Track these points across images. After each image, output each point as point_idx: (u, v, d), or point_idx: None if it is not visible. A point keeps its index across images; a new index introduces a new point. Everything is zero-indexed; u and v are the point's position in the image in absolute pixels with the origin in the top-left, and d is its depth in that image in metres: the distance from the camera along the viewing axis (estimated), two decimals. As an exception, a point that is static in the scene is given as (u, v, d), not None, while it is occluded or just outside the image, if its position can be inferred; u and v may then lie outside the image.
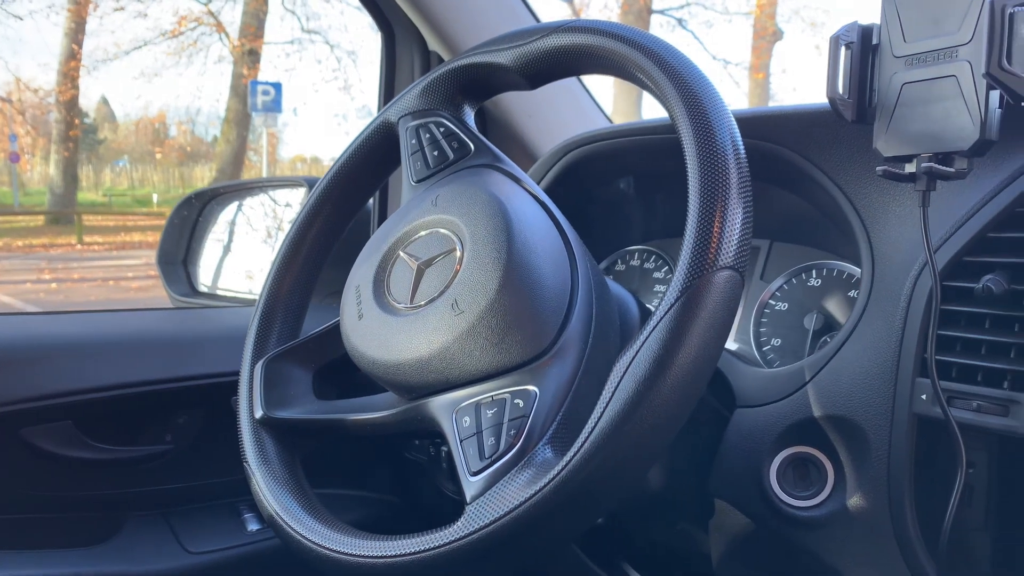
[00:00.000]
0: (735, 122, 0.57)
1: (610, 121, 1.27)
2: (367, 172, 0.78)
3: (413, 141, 0.73)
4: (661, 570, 0.93)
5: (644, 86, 0.62)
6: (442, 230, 0.65)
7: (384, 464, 1.16)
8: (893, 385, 0.66)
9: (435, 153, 0.71)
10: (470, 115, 0.75)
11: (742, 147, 0.55)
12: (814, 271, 0.89)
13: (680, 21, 12.10)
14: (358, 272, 0.68)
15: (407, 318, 0.62)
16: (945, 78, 0.59)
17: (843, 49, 0.64)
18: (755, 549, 0.77)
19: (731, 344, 0.93)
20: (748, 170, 0.55)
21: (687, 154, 0.55)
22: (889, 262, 0.71)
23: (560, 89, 1.22)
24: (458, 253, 0.62)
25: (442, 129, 0.72)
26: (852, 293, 0.85)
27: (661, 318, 0.51)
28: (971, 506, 0.65)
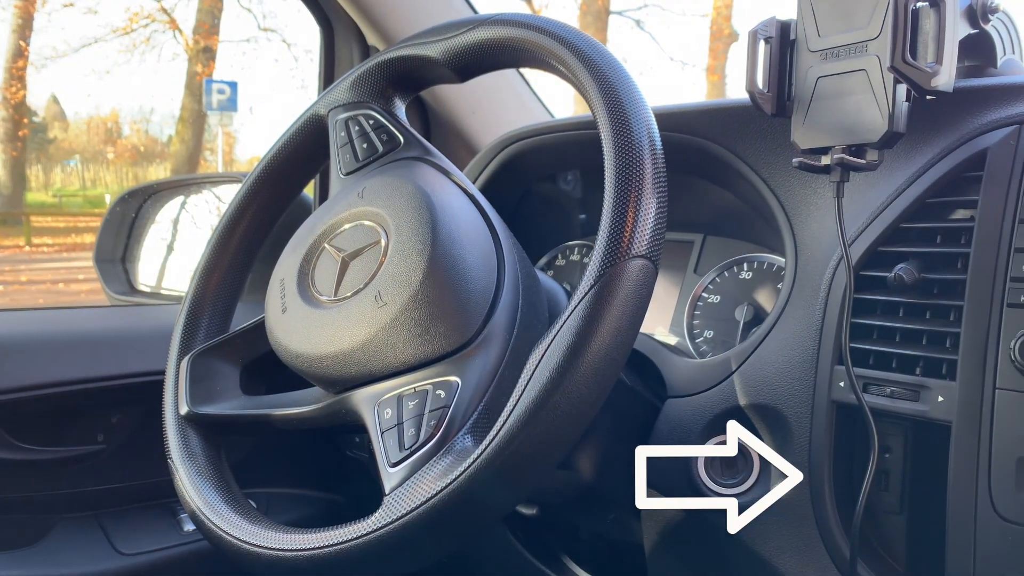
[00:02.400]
0: (653, 116, 0.57)
1: (552, 115, 1.28)
2: (297, 166, 0.78)
3: (342, 134, 0.72)
4: (597, 561, 0.93)
5: (567, 79, 0.63)
6: (367, 222, 0.65)
7: (328, 462, 1.15)
8: (813, 373, 0.68)
9: (364, 146, 0.71)
10: (401, 108, 0.75)
11: (658, 140, 0.56)
12: (745, 264, 0.91)
13: (638, 22, 12.20)
14: (283, 265, 0.68)
15: (330, 311, 0.62)
16: (856, 72, 0.60)
17: (762, 43, 0.66)
18: (685, 538, 0.78)
19: (666, 336, 0.95)
20: (664, 163, 0.56)
21: (604, 146, 0.56)
22: (811, 253, 0.72)
23: (502, 84, 1.23)
24: (383, 245, 0.62)
25: (371, 122, 0.72)
26: (780, 285, 0.86)
27: (575, 307, 0.51)
28: (887, 490, 0.66)
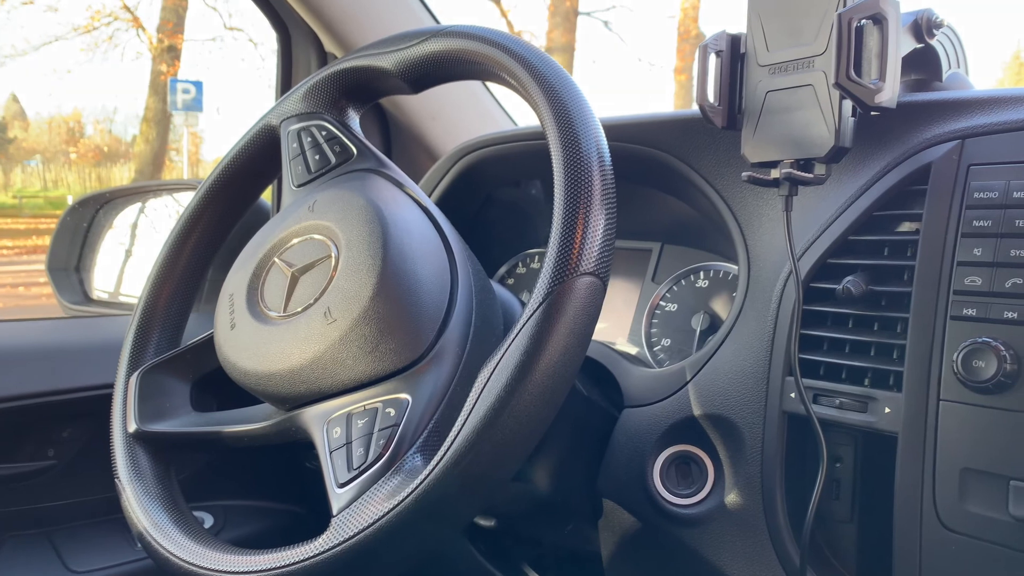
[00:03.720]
0: (602, 130, 0.57)
1: (515, 123, 1.28)
2: (249, 177, 0.77)
3: (295, 145, 0.72)
4: (559, 569, 0.93)
5: (519, 93, 0.62)
6: (317, 236, 0.64)
7: (286, 473, 1.14)
8: (765, 384, 0.68)
9: (316, 157, 0.70)
10: (355, 119, 0.74)
11: (607, 155, 0.56)
12: (701, 272, 0.92)
13: (606, 23, 12.27)
14: (232, 280, 0.67)
15: (280, 327, 0.61)
16: (804, 87, 0.61)
17: (712, 57, 0.66)
18: (641, 548, 0.78)
19: (624, 345, 0.95)
20: (613, 178, 0.56)
21: (554, 162, 0.56)
22: (763, 264, 0.73)
23: (463, 90, 1.22)
24: (333, 260, 0.62)
25: (324, 133, 0.71)
26: (735, 294, 0.87)
27: (523, 325, 0.51)
28: (838, 499, 0.67)
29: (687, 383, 0.74)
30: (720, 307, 0.89)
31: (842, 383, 0.64)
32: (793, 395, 0.66)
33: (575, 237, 0.53)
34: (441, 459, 0.50)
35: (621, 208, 0.97)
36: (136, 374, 0.71)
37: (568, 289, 0.51)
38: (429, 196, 0.99)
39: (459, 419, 0.51)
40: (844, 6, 0.58)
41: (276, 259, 0.65)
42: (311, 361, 0.58)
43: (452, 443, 0.50)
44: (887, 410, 0.61)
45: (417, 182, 0.72)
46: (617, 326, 0.97)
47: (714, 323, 0.88)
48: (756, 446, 0.69)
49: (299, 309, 0.61)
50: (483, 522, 0.85)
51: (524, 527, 0.86)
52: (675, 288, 0.93)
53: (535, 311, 0.51)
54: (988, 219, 0.57)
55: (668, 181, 0.84)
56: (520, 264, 1.08)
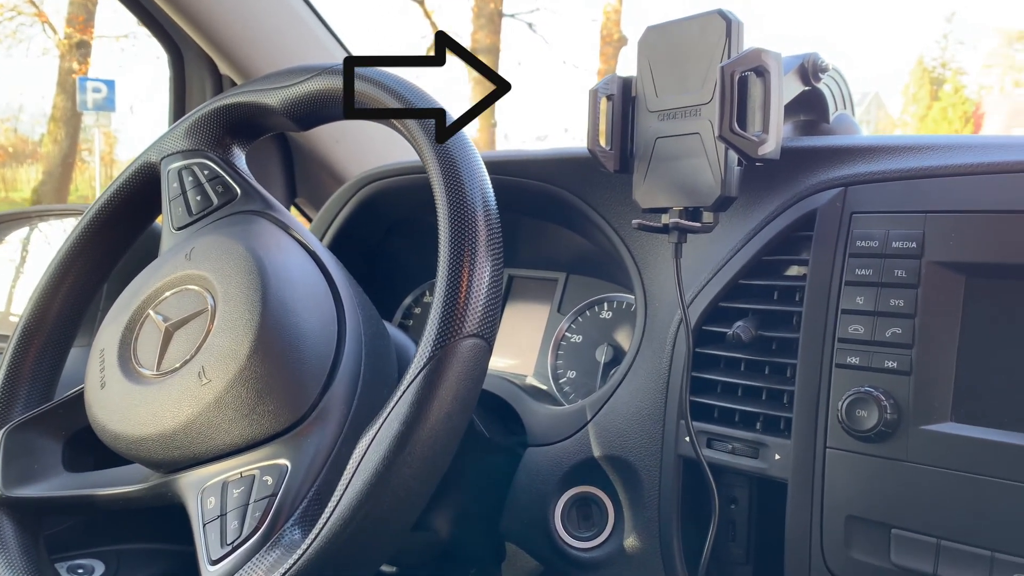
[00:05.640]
0: (487, 176, 0.56)
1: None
2: (128, 218, 0.72)
3: (175, 184, 0.68)
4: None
5: (402, 135, 0.60)
6: (194, 287, 0.61)
7: (186, 513, 1.09)
8: (661, 426, 0.68)
9: (198, 198, 0.67)
10: (240, 157, 0.71)
11: (493, 206, 0.55)
12: (605, 303, 0.91)
13: (530, 25, 12.31)
14: (104, 334, 0.63)
15: (152, 387, 0.58)
16: (691, 135, 0.61)
17: (604, 101, 0.65)
18: (543, 590, 0.77)
19: (531, 379, 0.94)
20: (499, 226, 0.54)
21: (438, 210, 0.54)
22: (659, 304, 0.73)
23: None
24: (209, 314, 0.58)
25: (207, 172, 0.67)
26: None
27: (403, 392, 0.49)
28: (735, 541, 0.67)
29: (587, 423, 0.74)
30: (623, 339, 0.88)
31: (735, 427, 0.64)
32: (688, 439, 0.65)
33: (459, 296, 0.51)
34: (318, 535, 0.48)
35: (528, 239, 0.96)
36: (1, 432, 0.66)
37: (451, 352, 0.50)
38: (329, 226, 0.97)
39: (336, 492, 0.49)
40: (729, 57, 0.58)
41: (151, 311, 0.61)
42: (184, 425, 0.55)
43: (328, 518, 0.48)
44: (777, 456, 0.61)
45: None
46: (524, 359, 0.95)
47: (617, 355, 0.88)
48: (653, 489, 0.68)
49: (173, 367, 0.58)
50: (385, 568, 0.83)
51: (426, 574, 0.84)
52: (580, 319, 0.92)
53: (416, 376, 0.49)
54: (869, 268, 0.58)
55: (568, 217, 0.83)
56: (427, 293, 1.06)
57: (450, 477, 0.74)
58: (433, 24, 10.46)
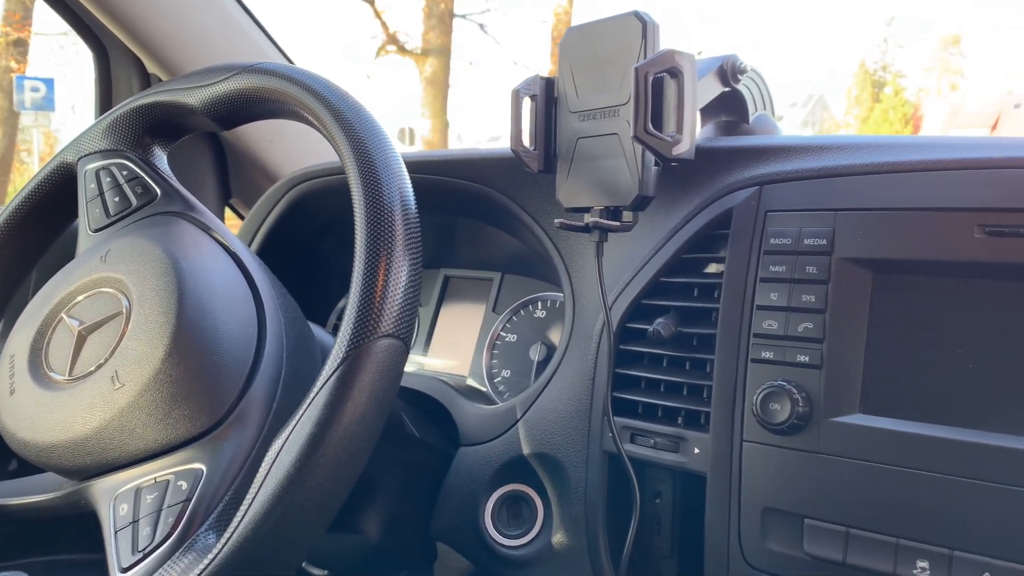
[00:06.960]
0: (407, 175, 0.56)
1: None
2: (42, 222, 0.70)
3: (92, 185, 0.66)
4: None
5: (322, 133, 0.60)
6: (108, 290, 0.59)
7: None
8: (587, 422, 0.69)
9: (116, 199, 0.66)
10: (161, 157, 0.69)
11: (412, 205, 0.55)
12: (539, 303, 0.92)
13: (482, 26, 12.32)
14: (15, 339, 0.61)
15: (64, 393, 0.56)
16: (610, 135, 0.61)
17: (526, 101, 0.66)
18: (475, 590, 0.77)
19: (466, 379, 0.94)
20: (418, 226, 0.54)
21: (355, 209, 0.54)
22: (586, 302, 0.73)
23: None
24: (124, 317, 0.57)
25: (126, 172, 0.66)
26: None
27: (317, 392, 0.49)
28: (659, 535, 0.68)
29: (517, 421, 0.74)
30: (556, 337, 0.89)
31: (658, 423, 0.65)
32: (611, 434, 0.66)
33: (374, 296, 0.51)
34: (230, 538, 0.48)
35: (464, 239, 0.96)
36: None
37: (366, 353, 0.50)
38: (259, 228, 0.95)
39: (248, 495, 0.48)
40: (644, 58, 0.59)
41: (64, 315, 0.60)
42: (97, 431, 0.54)
43: (240, 521, 0.48)
44: (696, 450, 0.62)
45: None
46: (459, 359, 0.96)
47: (550, 354, 0.88)
48: (580, 485, 0.69)
49: (87, 372, 0.56)
50: (315, 571, 0.82)
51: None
52: (514, 319, 0.93)
53: (330, 377, 0.49)
54: (783, 264, 0.60)
55: (500, 217, 0.83)
56: (363, 294, 1.06)
57: (379, 479, 0.74)
58: (384, 24, 10.39)
